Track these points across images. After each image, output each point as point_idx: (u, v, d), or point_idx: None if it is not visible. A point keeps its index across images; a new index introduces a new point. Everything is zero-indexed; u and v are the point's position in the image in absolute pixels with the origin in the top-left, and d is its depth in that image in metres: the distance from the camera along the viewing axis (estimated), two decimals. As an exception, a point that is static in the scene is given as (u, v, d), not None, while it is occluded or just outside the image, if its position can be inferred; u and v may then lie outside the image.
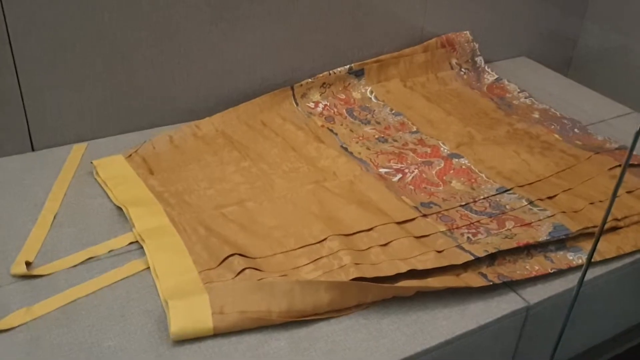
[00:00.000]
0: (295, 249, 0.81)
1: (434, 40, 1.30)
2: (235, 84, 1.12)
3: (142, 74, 1.03)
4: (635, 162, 1.04)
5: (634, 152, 1.06)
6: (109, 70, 1.00)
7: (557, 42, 1.54)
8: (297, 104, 1.15)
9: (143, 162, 0.96)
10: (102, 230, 0.82)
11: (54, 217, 0.84)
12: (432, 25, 1.30)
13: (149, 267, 0.77)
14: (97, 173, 0.93)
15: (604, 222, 0.72)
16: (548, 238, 0.84)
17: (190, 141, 1.03)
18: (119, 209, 0.86)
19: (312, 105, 1.15)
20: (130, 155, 0.97)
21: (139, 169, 0.94)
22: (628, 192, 0.96)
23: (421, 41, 1.29)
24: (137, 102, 1.05)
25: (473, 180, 0.99)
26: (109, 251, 0.79)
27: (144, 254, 0.79)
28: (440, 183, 0.98)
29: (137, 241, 0.81)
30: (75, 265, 0.77)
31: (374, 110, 1.17)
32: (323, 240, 0.82)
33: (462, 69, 1.32)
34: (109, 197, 0.88)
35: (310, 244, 0.82)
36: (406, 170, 1.00)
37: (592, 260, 0.83)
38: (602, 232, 0.88)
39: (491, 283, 0.77)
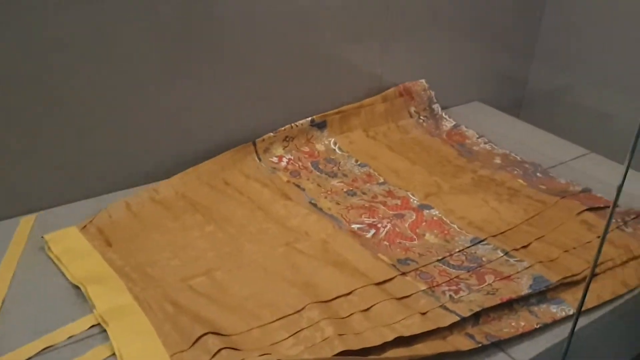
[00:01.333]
0: (272, 322, 0.76)
1: (393, 89, 1.30)
2: (194, 143, 1.08)
3: (93, 136, 0.97)
4: (601, 205, 1.05)
5: (598, 194, 1.09)
6: (58, 133, 0.93)
7: (507, 85, 1.58)
8: (260, 160, 1.11)
9: (99, 233, 0.89)
10: (58, 314, 0.75)
11: (2, 303, 0.76)
12: (389, 75, 1.30)
13: (114, 354, 0.70)
14: (49, 248, 0.85)
15: (593, 271, 0.71)
16: (530, 291, 0.83)
17: (148, 206, 0.97)
18: (77, 287, 0.79)
19: (275, 160, 1.12)
20: (85, 226, 0.90)
21: (95, 241, 0.87)
22: (599, 237, 0.96)
23: (380, 91, 1.29)
24: (89, 167, 0.98)
25: (446, 232, 0.97)
26: (68, 337, 0.72)
27: (108, 338, 0.71)
28: (415, 237, 0.95)
29: (99, 324, 0.74)
30: (29, 358, 0.68)
31: (340, 162, 1.14)
32: (301, 309, 0.77)
33: (421, 117, 1.32)
34: (64, 275, 0.81)
35: (288, 315, 0.77)
36: (379, 225, 0.97)
37: (578, 311, 0.82)
38: (580, 281, 0.88)
39: (480, 345, 0.74)
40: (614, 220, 1.01)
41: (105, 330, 0.72)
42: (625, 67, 1.39)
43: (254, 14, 1.05)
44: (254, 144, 1.11)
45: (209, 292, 0.80)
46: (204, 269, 0.85)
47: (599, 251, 0.68)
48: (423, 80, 1.34)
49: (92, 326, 0.74)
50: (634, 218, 1.02)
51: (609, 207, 1.05)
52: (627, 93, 1.40)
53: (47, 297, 0.77)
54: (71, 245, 0.86)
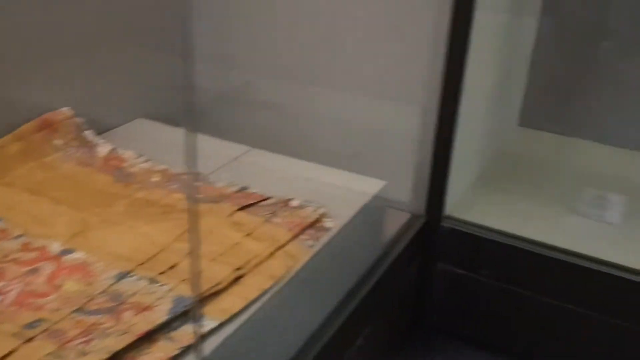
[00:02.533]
0: None
1: (28, 125, 1.16)
2: None
3: None
4: (252, 201, 1.06)
5: (253, 191, 1.10)
6: None
7: (174, 95, 1.53)
8: None
9: None
10: None
11: None
12: (23, 109, 1.16)
13: None
14: None
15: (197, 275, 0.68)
16: (169, 317, 0.78)
17: None
18: None
19: None
20: None
21: None
22: (248, 235, 0.97)
23: (11, 129, 1.14)
24: None
25: (89, 275, 0.88)
26: None
27: None
28: (51, 291, 0.84)
29: None
30: None
31: (-38, 226, 0.97)
32: None
33: (71, 148, 1.20)
34: None
35: None
36: (6, 289, 0.84)
37: (222, 321, 0.80)
38: (227, 287, 0.86)
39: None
40: (265, 214, 1.03)
41: None
42: (293, 56, 1.43)
43: None
44: None
45: None
46: None
47: (196, 255, 0.66)
48: (66, 108, 1.22)
49: None
50: (282, 207, 1.05)
51: (263, 200, 1.07)
52: (294, 82, 1.47)
53: None
54: None
